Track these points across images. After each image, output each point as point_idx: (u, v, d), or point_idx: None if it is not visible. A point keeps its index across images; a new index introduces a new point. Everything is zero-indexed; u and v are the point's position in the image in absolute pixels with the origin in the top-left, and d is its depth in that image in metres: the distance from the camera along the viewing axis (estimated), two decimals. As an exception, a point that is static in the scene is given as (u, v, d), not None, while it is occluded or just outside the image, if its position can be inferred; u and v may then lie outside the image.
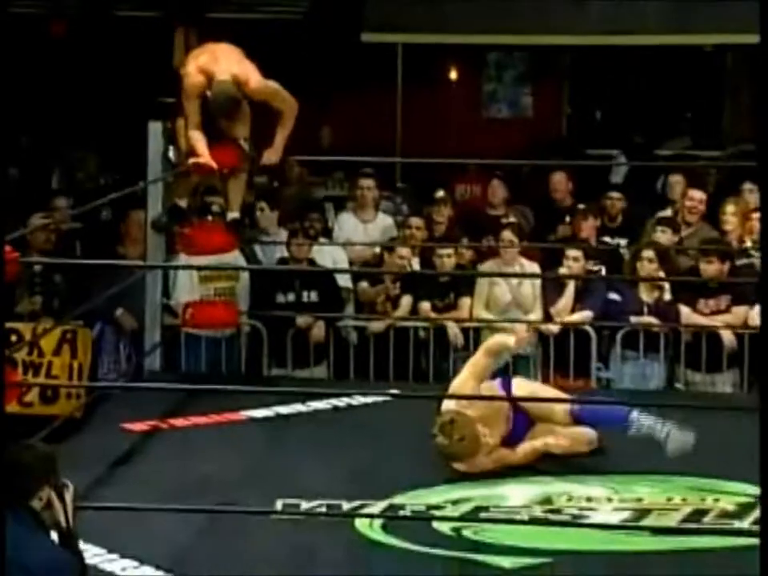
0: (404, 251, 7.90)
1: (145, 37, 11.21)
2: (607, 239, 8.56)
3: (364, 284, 7.89)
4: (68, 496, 3.85)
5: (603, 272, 7.99)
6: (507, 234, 7.93)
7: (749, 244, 8.08)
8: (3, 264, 3.92)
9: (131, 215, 8.03)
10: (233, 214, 7.27)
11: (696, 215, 8.35)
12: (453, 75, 12.26)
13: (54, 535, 3.83)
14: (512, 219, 8.41)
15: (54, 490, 3.81)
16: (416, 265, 8.11)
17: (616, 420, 5.82)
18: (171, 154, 7.27)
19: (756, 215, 8.16)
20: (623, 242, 8.47)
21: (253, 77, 6.80)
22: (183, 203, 7.31)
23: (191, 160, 6.90)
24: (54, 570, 3.67)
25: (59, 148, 10.43)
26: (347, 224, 8.59)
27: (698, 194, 8.45)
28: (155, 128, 7.32)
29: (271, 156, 7.07)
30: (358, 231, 8.50)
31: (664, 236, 7.98)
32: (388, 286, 7.81)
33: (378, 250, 8.29)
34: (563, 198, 9.06)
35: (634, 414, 5.76)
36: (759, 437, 3.54)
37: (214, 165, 6.89)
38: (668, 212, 8.66)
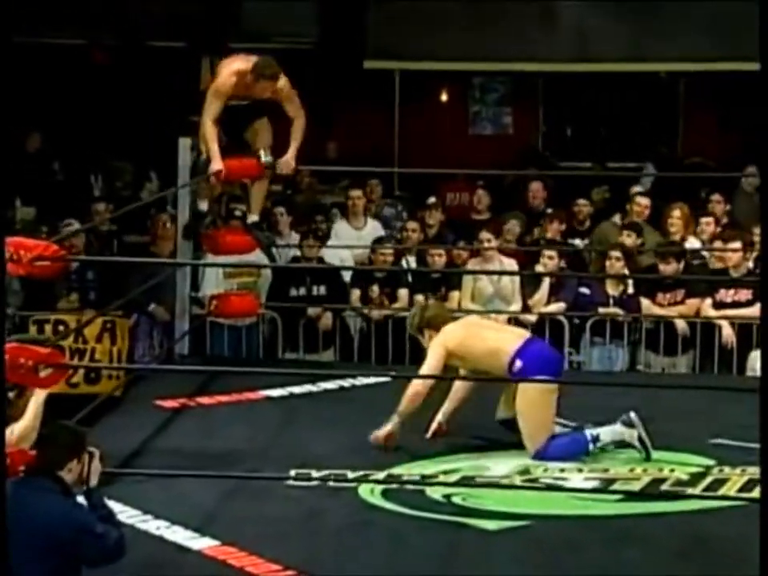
0: (387, 251, 7.83)
1: (175, 63, 11.17)
2: (577, 241, 8.54)
3: (357, 292, 7.83)
4: (95, 462, 3.83)
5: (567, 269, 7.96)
6: (485, 234, 7.88)
7: (697, 244, 8.05)
8: (4, 265, 3.86)
9: (160, 217, 7.98)
10: (253, 217, 7.17)
11: (642, 218, 8.31)
12: (443, 97, 12.19)
13: (81, 498, 3.81)
14: (510, 222, 8.31)
15: (81, 461, 3.79)
16: (412, 262, 8.08)
17: (579, 454, 5.59)
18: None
19: (707, 219, 8.13)
20: (583, 242, 8.45)
21: (282, 76, 6.67)
22: (204, 206, 7.15)
23: (210, 171, 6.78)
24: (70, 524, 3.66)
25: (101, 159, 10.37)
26: (341, 230, 8.52)
27: (644, 201, 8.41)
28: (185, 143, 7.26)
29: (287, 166, 6.96)
30: (351, 237, 8.43)
31: (629, 239, 7.93)
32: (372, 289, 7.76)
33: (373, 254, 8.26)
34: (539, 204, 9.02)
35: (590, 446, 5.57)
36: (759, 436, 3.47)
37: (223, 171, 6.70)
38: (616, 217, 8.62)
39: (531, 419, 5.57)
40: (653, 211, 8.41)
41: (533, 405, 5.54)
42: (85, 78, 11.19)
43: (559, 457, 5.52)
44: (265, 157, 6.84)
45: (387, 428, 5.63)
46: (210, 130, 6.62)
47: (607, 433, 5.62)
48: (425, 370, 5.69)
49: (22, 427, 4.10)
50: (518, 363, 5.57)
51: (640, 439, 5.57)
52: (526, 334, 5.99)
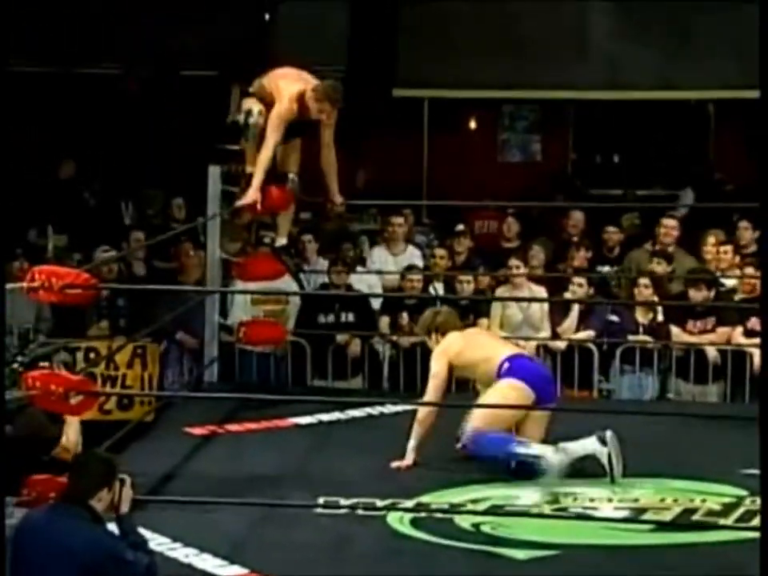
0: (415, 277, 7.85)
1: (205, 92, 11.26)
2: (606, 268, 8.50)
3: (386, 319, 7.83)
4: (126, 489, 3.85)
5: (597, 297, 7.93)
6: (514, 262, 7.88)
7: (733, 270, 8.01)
8: (4, 281, 3.91)
9: (184, 247, 8.01)
10: (281, 241, 7.12)
11: (671, 238, 8.27)
12: (472, 125, 12.21)
13: (113, 526, 3.83)
14: (535, 250, 8.29)
15: (113, 489, 3.81)
16: (440, 289, 8.08)
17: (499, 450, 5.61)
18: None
19: (725, 248, 8.07)
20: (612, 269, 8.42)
21: None
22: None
23: (237, 203, 6.78)
24: (100, 551, 3.68)
25: (132, 187, 10.44)
26: (379, 256, 8.53)
27: (671, 222, 8.38)
28: (214, 171, 7.29)
29: (339, 202, 6.91)
30: (388, 263, 8.44)
31: (659, 266, 7.90)
32: (401, 316, 7.76)
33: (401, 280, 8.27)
34: (578, 233, 8.96)
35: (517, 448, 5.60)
36: (759, 442, 3.44)
37: (259, 205, 6.64)
38: (648, 245, 8.58)
39: (486, 412, 5.71)
40: (689, 237, 8.36)
41: (500, 396, 5.71)
42: (118, 107, 11.29)
43: (482, 449, 5.63)
44: (293, 182, 6.80)
45: (410, 459, 5.74)
46: (267, 158, 6.52)
47: (577, 446, 5.61)
48: (432, 378, 5.87)
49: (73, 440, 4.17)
50: (506, 365, 5.78)
51: (609, 459, 5.54)
52: (520, 349, 6.20)
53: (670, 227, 8.34)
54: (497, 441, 5.66)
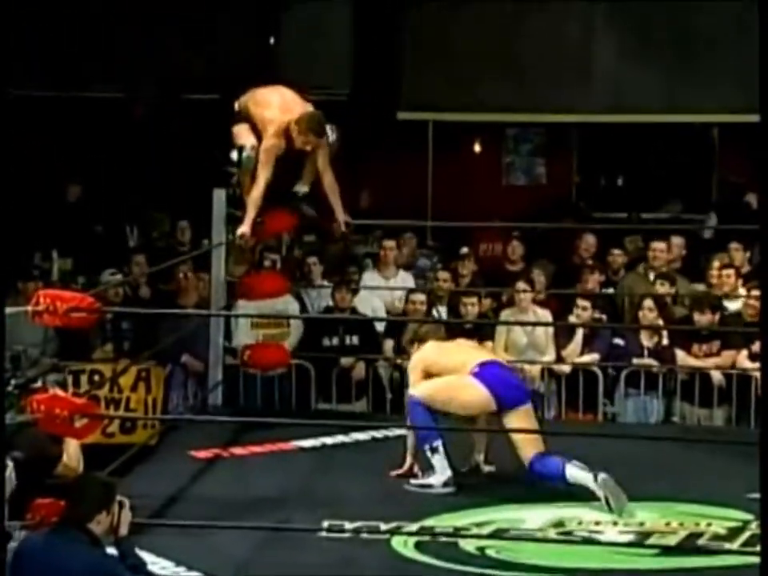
0: (419, 298, 7.86)
1: (210, 116, 11.29)
2: (611, 290, 8.50)
3: (390, 342, 7.84)
4: (124, 512, 3.86)
5: (605, 319, 7.92)
6: (521, 285, 7.89)
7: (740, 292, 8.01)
8: (3, 303, 3.93)
9: (181, 269, 8.03)
10: (303, 188, 6.90)
11: (660, 261, 8.28)
12: (476, 148, 12.24)
13: (112, 549, 3.83)
14: (535, 273, 8.32)
15: (111, 512, 3.82)
16: (443, 312, 8.08)
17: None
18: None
19: (727, 271, 8.07)
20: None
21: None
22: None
23: (238, 232, 6.78)
24: (97, 574, 3.68)
25: (137, 210, 10.48)
26: (371, 280, 8.53)
27: (660, 245, 8.38)
28: (219, 194, 7.32)
29: (344, 226, 6.90)
30: (380, 287, 8.43)
31: (663, 288, 7.91)
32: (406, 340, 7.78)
33: (399, 303, 8.28)
34: (589, 256, 8.96)
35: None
36: (759, 451, 3.44)
37: (250, 240, 6.71)
38: (640, 267, 8.57)
39: (443, 389, 5.82)
40: (693, 261, 8.37)
41: (454, 386, 5.82)
42: (123, 131, 11.34)
43: (413, 416, 5.79)
44: (302, 188, 6.77)
45: (407, 466, 5.89)
46: (259, 196, 6.53)
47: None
48: (411, 388, 5.96)
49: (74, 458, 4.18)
50: (476, 369, 5.82)
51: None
52: (494, 356, 6.18)
53: (658, 250, 8.34)
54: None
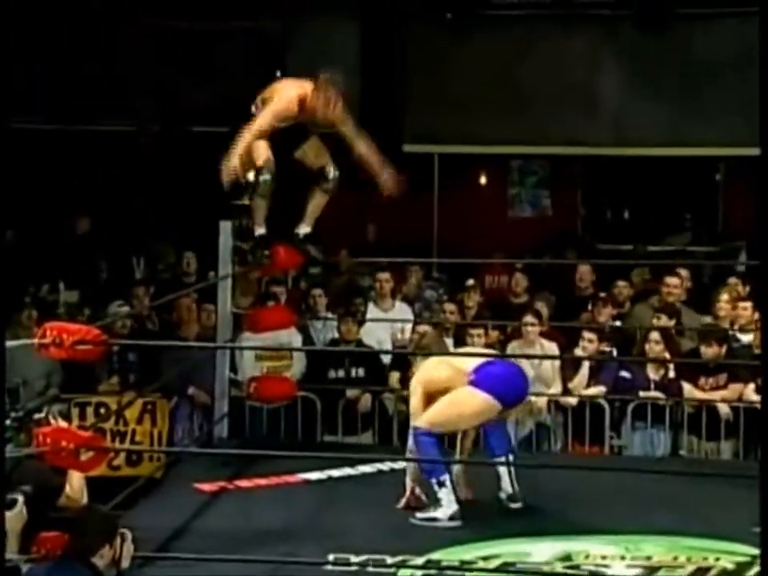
0: (425, 329, 7.85)
1: (216, 148, 11.32)
2: (617, 323, 8.50)
3: (396, 374, 7.84)
4: (126, 544, 3.85)
5: (615, 353, 7.91)
6: (529, 318, 7.88)
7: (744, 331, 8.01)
8: (4, 333, 3.94)
9: (181, 302, 8.03)
10: (305, 229, 6.78)
11: (674, 297, 8.28)
12: (482, 180, 12.29)
13: None
14: (538, 305, 8.33)
15: (114, 546, 3.82)
16: (450, 345, 8.06)
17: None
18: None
19: (744, 304, 8.08)
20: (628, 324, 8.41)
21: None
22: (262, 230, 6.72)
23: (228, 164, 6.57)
24: None
25: (143, 242, 10.51)
26: (369, 314, 8.52)
27: (674, 280, 8.39)
28: (225, 226, 7.33)
29: (391, 184, 6.57)
30: (378, 319, 8.43)
31: (660, 322, 7.90)
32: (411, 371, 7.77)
33: (401, 334, 8.28)
34: (587, 287, 9.00)
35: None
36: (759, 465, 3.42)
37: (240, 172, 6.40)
38: (654, 299, 8.58)
39: (446, 409, 5.83)
40: (702, 293, 8.37)
41: (457, 401, 5.82)
42: (131, 163, 11.39)
43: (421, 450, 5.79)
44: (334, 171, 6.52)
45: (408, 492, 5.91)
46: (251, 136, 6.21)
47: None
48: (413, 418, 5.96)
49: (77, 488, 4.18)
50: (472, 377, 5.81)
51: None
52: (491, 356, 6.14)
53: (672, 285, 8.35)
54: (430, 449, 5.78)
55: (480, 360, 5.92)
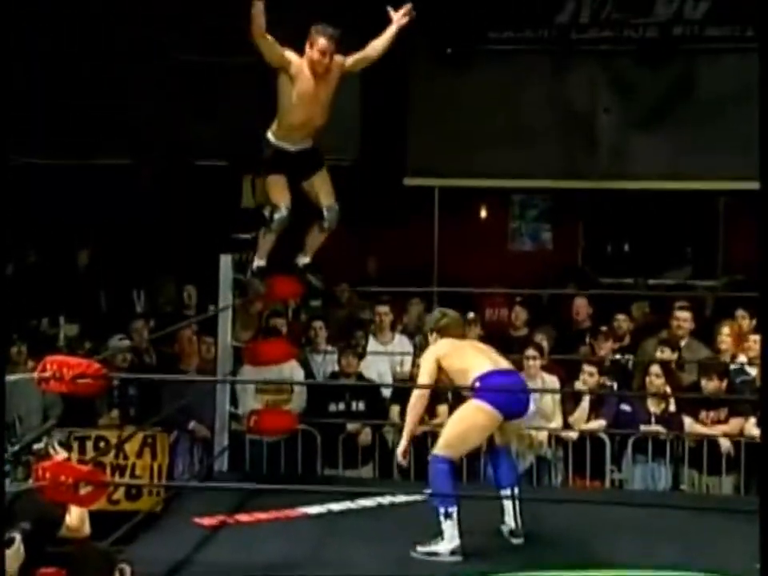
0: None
1: (218, 182, 11.38)
2: (617, 356, 8.50)
3: (396, 407, 7.84)
4: None
5: (615, 386, 7.91)
6: (531, 352, 7.88)
7: (743, 359, 7.99)
8: (4, 366, 3.94)
9: (182, 334, 8.05)
10: (304, 260, 6.79)
11: (684, 331, 8.29)
12: (482, 214, 12.32)
13: None
14: (538, 338, 8.34)
15: None
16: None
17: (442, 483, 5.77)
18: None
19: (754, 336, 8.08)
20: (632, 358, 8.40)
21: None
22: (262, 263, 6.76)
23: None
24: None
25: (144, 275, 10.53)
26: (369, 347, 8.53)
27: (683, 314, 8.41)
28: (226, 260, 7.35)
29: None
30: (378, 352, 8.45)
31: (664, 354, 7.92)
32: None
33: (401, 367, 8.28)
34: (584, 320, 9.02)
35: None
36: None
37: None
38: (664, 334, 8.60)
39: (455, 427, 5.83)
40: (706, 327, 8.38)
41: (464, 417, 5.81)
42: (132, 196, 11.43)
43: (436, 477, 5.77)
44: (334, 212, 6.52)
45: (403, 446, 5.97)
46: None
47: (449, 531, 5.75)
48: (420, 377, 6.00)
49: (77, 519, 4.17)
50: (477, 384, 5.84)
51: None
52: (503, 363, 6.05)
53: (682, 319, 8.35)
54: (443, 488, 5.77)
55: (486, 368, 5.90)
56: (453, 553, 5.73)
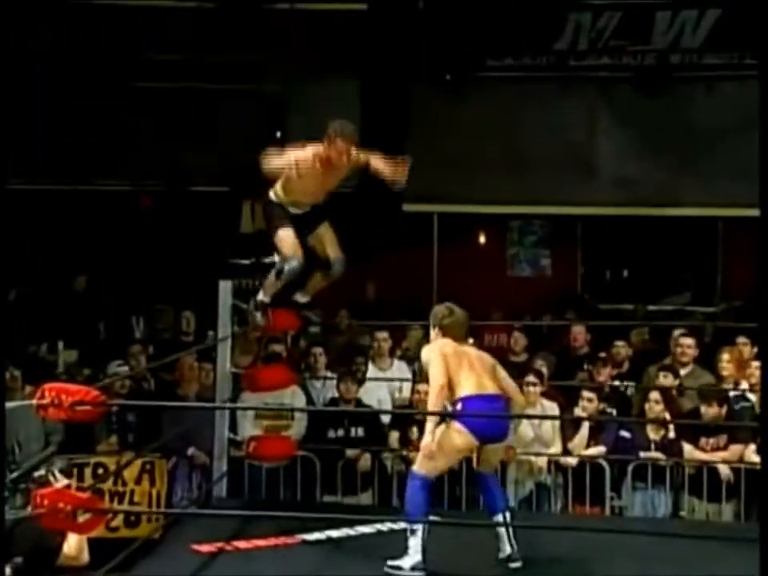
0: (425, 388, 7.84)
1: (216, 208, 11.40)
2: (616, 383, 8.48)
3: (395, 434, 7.83)
4: None
5: (615, 413, 7.90)
6: (531, 378, 7.87)
7: (744, 386, 7.98)
8: (4, 392, 3.94)
9: (182, 360, 8.04)
10: (304, 299, 6.91)
11: (688, 358, 8.30)
12: (481, 240, 12.34)
13: None
14: (538, 364, 8.33)
15: None
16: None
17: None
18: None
19: (755, 363, 8.07)
20: (631, 385, 8.39)
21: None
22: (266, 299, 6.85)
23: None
24: None
25: (143, 302, 10.53)
26: (369, 373, 8.53)
27: (687, 341, 8.41)
28: (225, 285, 7.36)
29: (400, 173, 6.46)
30: (377, 379, 8.44)
31: (666, 380, 7.91)
32: (411, 431, 7.76)
33: (399, 393, 8.27)
34: (581, 347, 9.02)
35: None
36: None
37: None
38: (668, 360, 8.58)
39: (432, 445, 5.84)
40: (706, 353, 8.39)
41: (440, 438, 5.84)
42: (130, 222, 11.45)
43: (408, 493, 5.84)
44: (339, 265, 6.59)
45: (426, 440, 5.85)
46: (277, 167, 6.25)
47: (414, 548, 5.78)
48: (435, 378, 5.91)
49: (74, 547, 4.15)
50: (459, 405, 5.88)
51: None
52: (489, 387, 6.01)
53: (686, 346, 8.34)
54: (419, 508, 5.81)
55: (470, 391, 5.91)
56: (413, 568, 5.74)
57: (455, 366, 5.99)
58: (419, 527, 5.76)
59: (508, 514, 6.01)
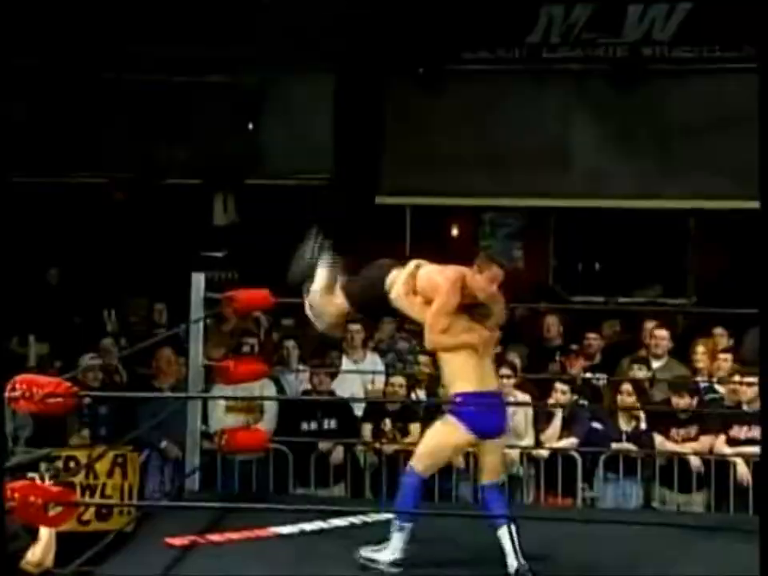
0: (398, 381, 7.84)
1: (189, 201, 11.36)
2: (588, 375, 8.50)
3: (368, 426, 7.81)
4: None
5: (587, 405, 7.92)
6: (505, 371, 7.86)
7: (715, 378, 8.02)
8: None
9: (161, 352, 8.00)
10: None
11: (662, 350, 8.30)
12: (454, 232, 12.33)
13: None
14: (510, 355, 8.33)
15: None
16: (422, 396, 8.05)
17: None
18: None
19: (724, 355, 8.09)
20: (603, 377, 8.40)
21: None
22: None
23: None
24: None
25: (115, 294, 10.47)
26: (342, 365, 8.52)
27: (661, 332, 8.42)
28: (197, 278, 7.32)
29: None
30: (350, 371, 8.41)
31: (640, 372, 7.93)
32: (384, 423, 7.76)
33: (372, 385, 8.26)
34: (554, 338, 9.03)
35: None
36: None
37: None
38: (642, 352, 8.60)
39: (427, 443, 5.85)
40: (683, 344, 8.41)
41: (436, 434, 5.82)
42: (103, 215, 11.39)
43: (401, 490, 5.78)
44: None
45: None
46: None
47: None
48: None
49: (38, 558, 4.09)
50: (458, 399, 5.79)
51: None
52: (490, 383, 5.92)
53: (660, 338, 8.36)
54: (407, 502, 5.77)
55: (471, 387, 5.77)
56: (392, 564, 5.72)
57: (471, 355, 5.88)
58: (407, 526, 5.71)
59: (513, 527, 5.76)
